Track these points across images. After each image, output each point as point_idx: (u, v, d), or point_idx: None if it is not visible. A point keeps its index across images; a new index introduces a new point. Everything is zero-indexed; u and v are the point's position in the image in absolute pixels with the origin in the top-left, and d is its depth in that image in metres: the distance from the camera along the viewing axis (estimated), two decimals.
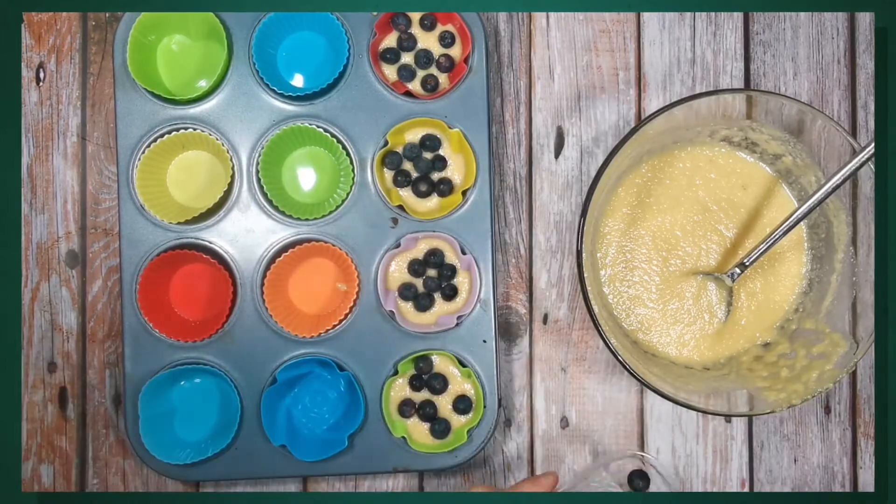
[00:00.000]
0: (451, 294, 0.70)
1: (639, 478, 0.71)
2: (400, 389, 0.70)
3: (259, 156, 0.69)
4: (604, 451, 0.72)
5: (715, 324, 0.69)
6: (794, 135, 0.65)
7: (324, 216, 0.69)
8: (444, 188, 0.70)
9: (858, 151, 0.60)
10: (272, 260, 0.69)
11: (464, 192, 0.70)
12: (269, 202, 0.69)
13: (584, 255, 0.61)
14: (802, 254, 0.70)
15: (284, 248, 0.70)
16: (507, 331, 0.73)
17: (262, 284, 0.69)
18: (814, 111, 0.63)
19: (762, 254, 0.64)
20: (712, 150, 0.69)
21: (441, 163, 0.70)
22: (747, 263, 0.65)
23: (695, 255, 0.69)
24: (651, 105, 0.74)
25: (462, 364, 0.69)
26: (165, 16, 0.69)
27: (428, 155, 0.71)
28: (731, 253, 0.69)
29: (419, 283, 0.70)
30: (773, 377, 0.65)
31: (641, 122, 0.61)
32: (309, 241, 0.69)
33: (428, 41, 0.71)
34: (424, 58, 0.71)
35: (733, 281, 0.66)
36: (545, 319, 0.73)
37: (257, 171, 0.69)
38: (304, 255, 0.70)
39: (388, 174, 0.71)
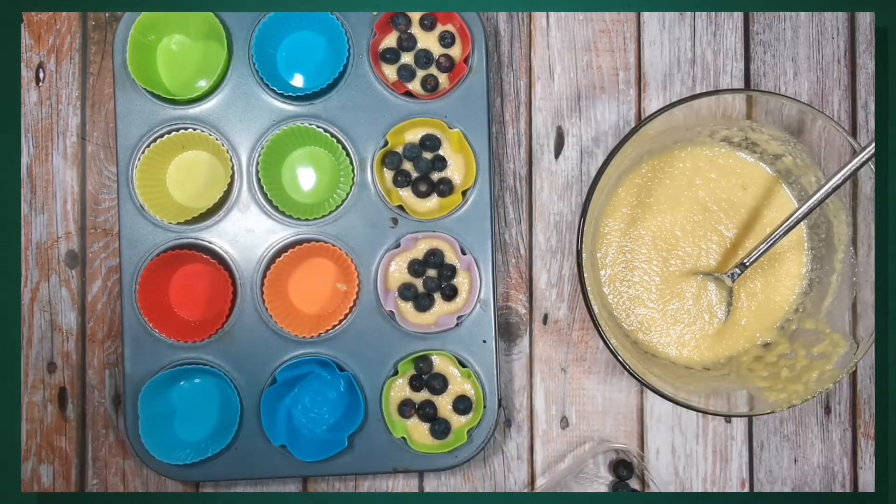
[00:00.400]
0: (451, 294, 0.70)
1: (624, 467, 0.71)
2: (400, 389, 0.70)
3: (259, 156, 0.69)
4: (603, 448, 0.72)
5: (715, 324, 0.69)
6: (794, 135, 0.65)
7: (324, 216, 0.69)
8: (444, 188, 0.70)
9: (858, 151, 0.60)
10: (272, 260, 0.69)
11: (464, 192, 0.70)
12: (269, 202, 0.69)
13: (584, 255, 0.61)
14: (802, 254, 0.70)
15: (284, 249, 0.70)
16: (507, 331, 0.73)
17: (262, 284, 0.69)
18: (814, 111, 0.63)
19: (762, 254, 0.64)
20: (712, 150, 0.69)
21: (441, 163, 0.70)
22: (747, 264, 0.65)
23: (695, 256, 0.69)
24: (651, 105, 0.74)
25: (462, 364, 0.69)
26: (165, 16, 0.69)
27: (428, 155, 0.71)
28: (731, 253, 0.69)
29: (419, 283, 0.70)
30: (774, 377, 0.65)
31: (641, 122, 0.61)
32: (309, 241, 0.69)
33: (428, 41, 0.71)
34: (424, 58, 0.71)
35: (733, 281, 0.66)
36: (545, 319, 0.73)
37: (257, 171, 0.69)
38: (304, 256, 0.70)
39: (388, 174, 0.71)
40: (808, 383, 0.63)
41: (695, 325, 0.69)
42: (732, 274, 0.66)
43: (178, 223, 0.69)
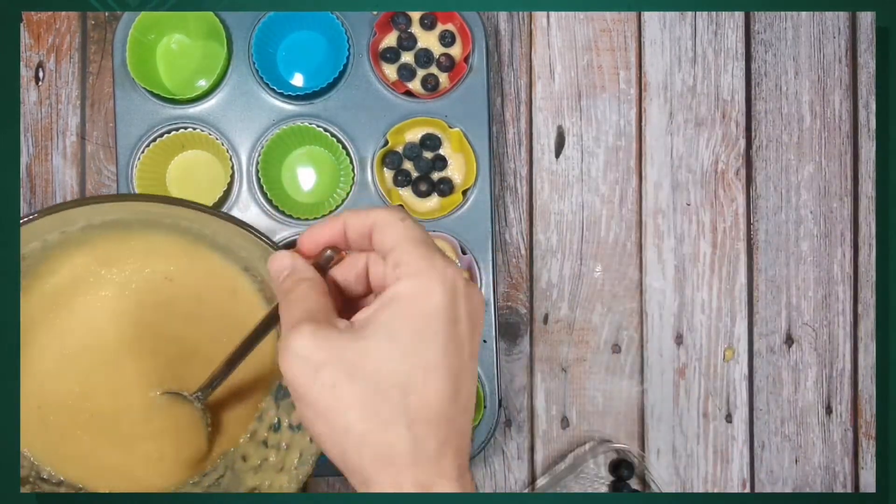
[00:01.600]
0: None
1: (624, 468, 0.71)
2: None
3: (259, 155, 0.69)
4: (604, 448, 0.72)
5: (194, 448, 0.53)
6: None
7: (324, 216, 0.69)
8: (445, 188, 0.70)
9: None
10: None
11: (464, 192, 0.70)
12: (269, 202, 0.69)
13: None
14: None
15: (285, 249, 0.69)
16: (507, 331, 0.73)
17: None
18: None
19: (224, 377, 0.48)
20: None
21: (441, 162, 0.70)
22: (214, 387, 0.49)
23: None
24: (652, 105, 0.74)
25: None
26: (165, 15, 0.69)
27: (428, 154, 0.71)
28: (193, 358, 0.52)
29: None
30: (265, 467, 0.51)
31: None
32: None
33: (428, 40, 0.71)
34: (424, 57, 0.70)
35: (202, 403, 0.51)
36: (545, 319, 0.73)
37: (257, 171, 0.69)
38: None
39: (388, 174, 0.71)
40: (291, 470, 0.49)
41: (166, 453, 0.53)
42: (198, 396, 0.51)
43: None
